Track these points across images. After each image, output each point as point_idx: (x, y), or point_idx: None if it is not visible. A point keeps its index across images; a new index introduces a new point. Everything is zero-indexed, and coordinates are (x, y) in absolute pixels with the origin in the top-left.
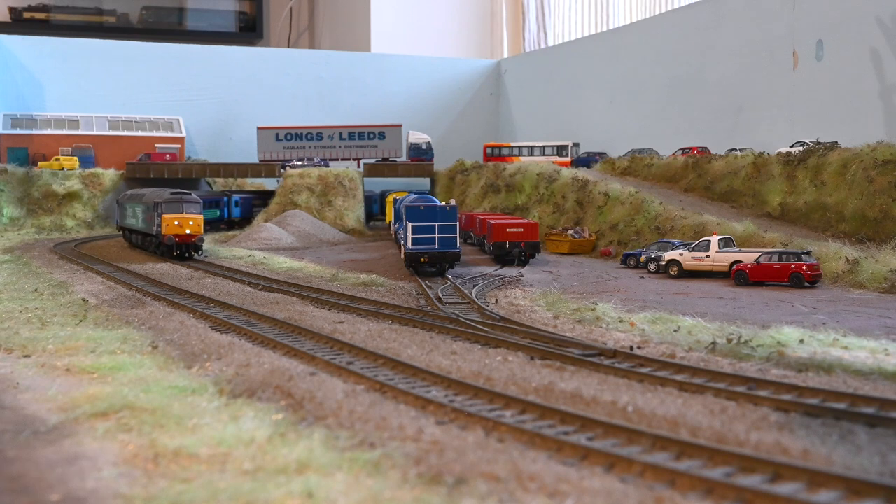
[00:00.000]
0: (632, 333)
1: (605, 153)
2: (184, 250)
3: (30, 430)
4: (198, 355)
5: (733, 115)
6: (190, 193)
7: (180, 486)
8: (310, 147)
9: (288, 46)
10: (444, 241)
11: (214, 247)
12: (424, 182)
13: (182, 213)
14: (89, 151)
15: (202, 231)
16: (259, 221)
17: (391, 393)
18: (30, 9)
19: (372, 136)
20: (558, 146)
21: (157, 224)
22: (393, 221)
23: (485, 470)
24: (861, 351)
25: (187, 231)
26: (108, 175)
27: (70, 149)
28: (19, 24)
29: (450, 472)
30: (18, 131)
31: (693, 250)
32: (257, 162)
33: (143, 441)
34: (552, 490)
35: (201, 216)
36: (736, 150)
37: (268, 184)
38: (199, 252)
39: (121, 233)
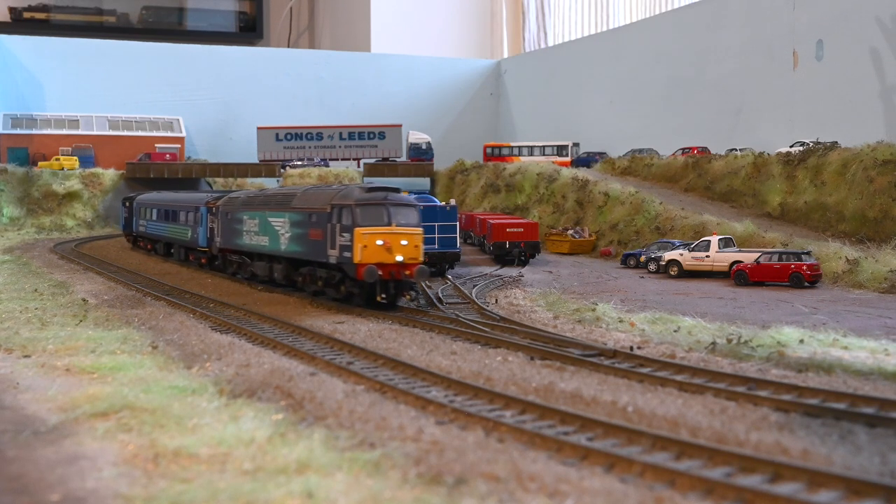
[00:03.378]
0: (632, 333)
1: (605, 153)
2: (390, 291)
3: (30, 430)
4: (198, 355)
5: (733, 115)
6: (398, 190)
7: (180, 486)
8: (310, 147)
9: (288, 46)
10: (445, 241)
11: None
12: (424, 182)
13: (390, 223)
14: (89, 151)
15: (422, 257)
16: None
17: (391, 393)
18: (30, 9)
19: (372, 136)
20: (558, 146)
21: (342, 245)
22: None
23: (485, 470)
24: (861, 351)
25: (399, 258)
26: (108, 175)
27: (70, 149)
28: (19, 24)
29: (450, 472)
30: (18, 131)
31: (693, 250)
32: (257, 162)
33: (143, 441)
34: (552, 490)
35: (421, 231)
36: (736, 150)
37: (268, 184)
38: (414, 294)
39: (189, 258)
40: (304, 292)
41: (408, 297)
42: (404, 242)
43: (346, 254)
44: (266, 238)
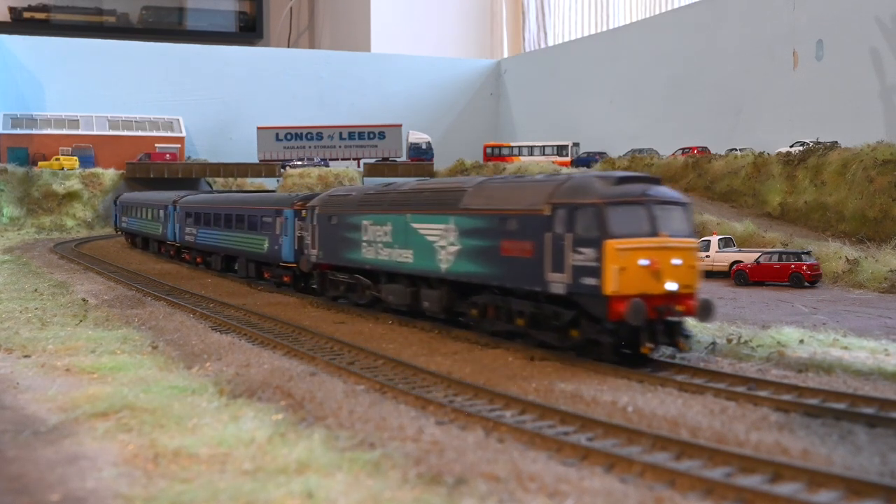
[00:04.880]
0: None
1: (605, 153)
2: (659, 339)
3: (30, 430)
4: (198, 355)
5: (733, 115)
6: (658, 181)
7: (180, 486)
8: (310, 147)
9: (288, 46)
10: None
11: None
12: None
13: (656, 232)
14: (89, 151)
15: (698, 284)
16: None
17: (391, 393)
18: (30, 9)
19: (372, 136)
20: (558, 146)
21: (577, 266)
22: None
23: (485, 470)
24: (861, 351)
25: (671, 286)
26: (108, 175)
27: (70, 149)
28: (19, 24)
29: (450, 472)
30: (18, 131)
31: None
32: (257, 162)
33: (143, 441)
34: (552, 490)
35: (696, 243)
36: (736, 150)
37: (268, 184)
38: (686, 341)
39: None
40: (481, 331)
41: (683, 346)
42: (676, 262)
43: (588, 280)
44: (409, 252)
